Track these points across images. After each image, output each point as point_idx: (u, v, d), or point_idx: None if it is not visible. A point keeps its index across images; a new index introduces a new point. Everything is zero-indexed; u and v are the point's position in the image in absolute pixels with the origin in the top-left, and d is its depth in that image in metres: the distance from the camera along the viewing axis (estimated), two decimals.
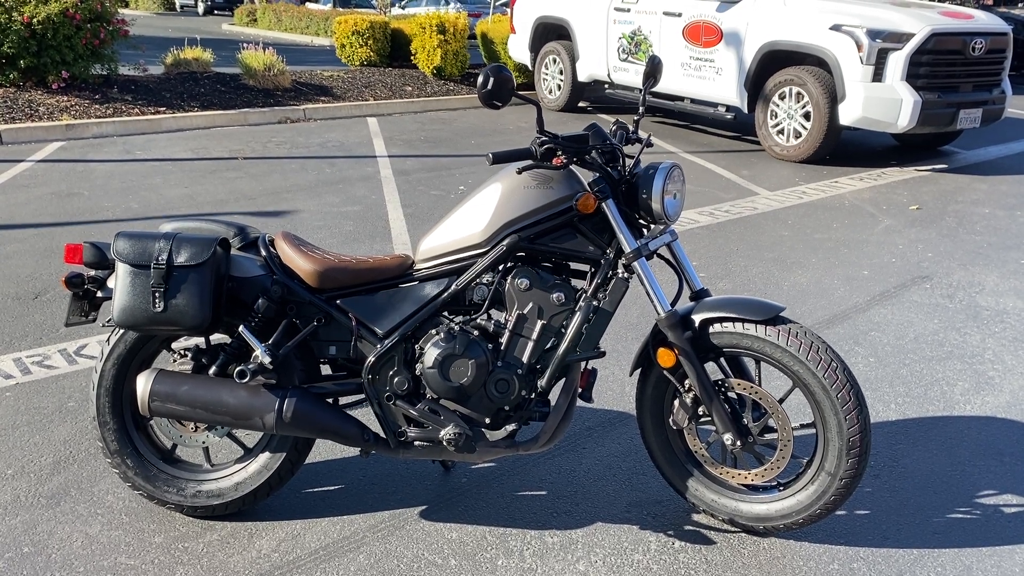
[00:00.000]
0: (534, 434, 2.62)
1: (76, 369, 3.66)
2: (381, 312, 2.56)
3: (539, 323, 2.51)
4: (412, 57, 12.00)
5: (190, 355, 2.58)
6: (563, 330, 2.53)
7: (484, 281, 2.56)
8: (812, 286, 4.86)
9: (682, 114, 10.21)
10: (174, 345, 2.68)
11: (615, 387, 3.59)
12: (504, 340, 2.53)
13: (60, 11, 8.97)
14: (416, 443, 2.55)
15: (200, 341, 2.64)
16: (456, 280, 2.55)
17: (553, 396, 3.10)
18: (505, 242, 2.49)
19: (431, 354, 2.47)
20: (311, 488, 2.86)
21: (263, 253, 2.59)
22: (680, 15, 8.96)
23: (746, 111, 8.55)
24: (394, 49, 12.49)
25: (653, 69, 2.86)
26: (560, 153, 2.45)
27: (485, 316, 2.60)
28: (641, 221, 2.60)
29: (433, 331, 2.53)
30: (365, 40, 12.13)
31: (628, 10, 9.57)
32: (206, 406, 2.45)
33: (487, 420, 2.54)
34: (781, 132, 8.24)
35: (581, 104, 11.10)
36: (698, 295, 2.66)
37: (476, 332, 2.53)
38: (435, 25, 11.42)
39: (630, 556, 2.56)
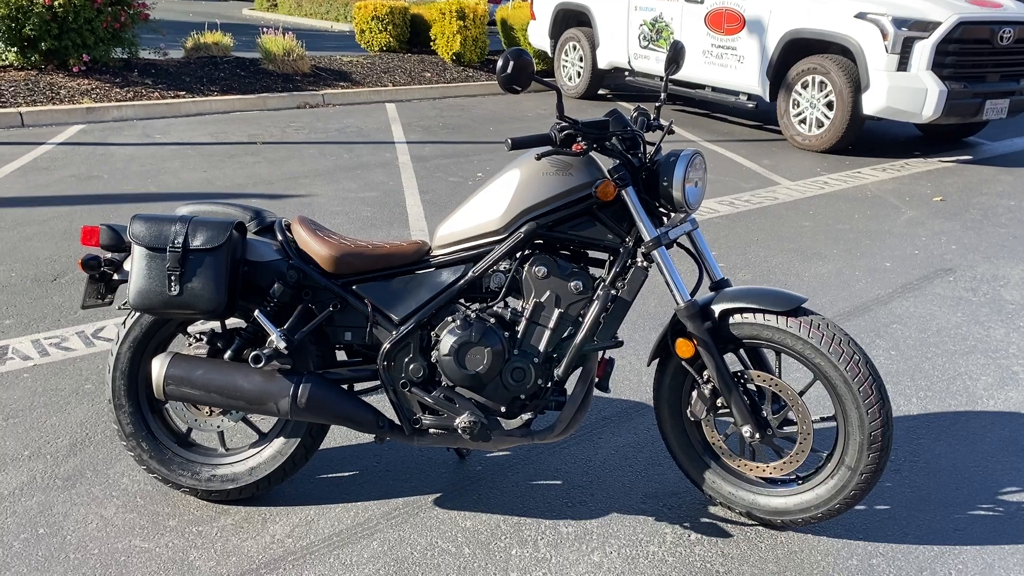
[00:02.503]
0: (550, 423, 2.60)
1: (93, 351, 3.67)
2: (397, 298, 2.54)
3: (556, 312, 2.48)
4: (431, 43, 11.94)
5: (205, 339, 2.57)
6: (580, 319, 2.50)
7: (501, 268, 2.53)
8: (833, 277, 4.80)
9: (702, 102, 10.12)
10: (190, 329, 2.67)
11: (632, 377, 3.56)
12: (520, 328, 2.50)
13: None
14: (431, 430, 2.53)
15: (216, 325, 2.62)
16: (473, 267, 2.52)
17: (570, 386, 3.07)
18: (523, 229, 2.46)
19: (447, 341, 2.45)
20: (325, 474, 2.85)
21: (279, 237, 2.57)
22: (702, 2, 8.85)
23: (768, 100, 8.45)
24: (413, 35, 12.43)
25: (676, 55, 2.80)
26: (580, 139, 2.41)
27: (502, 304, 2.57)
28: (661, 209, 2.56)
29: (449, 318, 2.50)
30: (384, 26, 12.08)
31: None
32: (221, 390, 2.44)
33: (503, 409, 2.52)
34: (803, 121, 8.14)
35: (601, 91, 11.01)
36: (718, 285, 2.62)
37: (492, 320, 2.51)
38: (455, 11, 11.35)
39: (645, 548, 2.54)
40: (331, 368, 2.62)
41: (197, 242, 2.39)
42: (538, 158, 2.42)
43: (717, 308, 2.49)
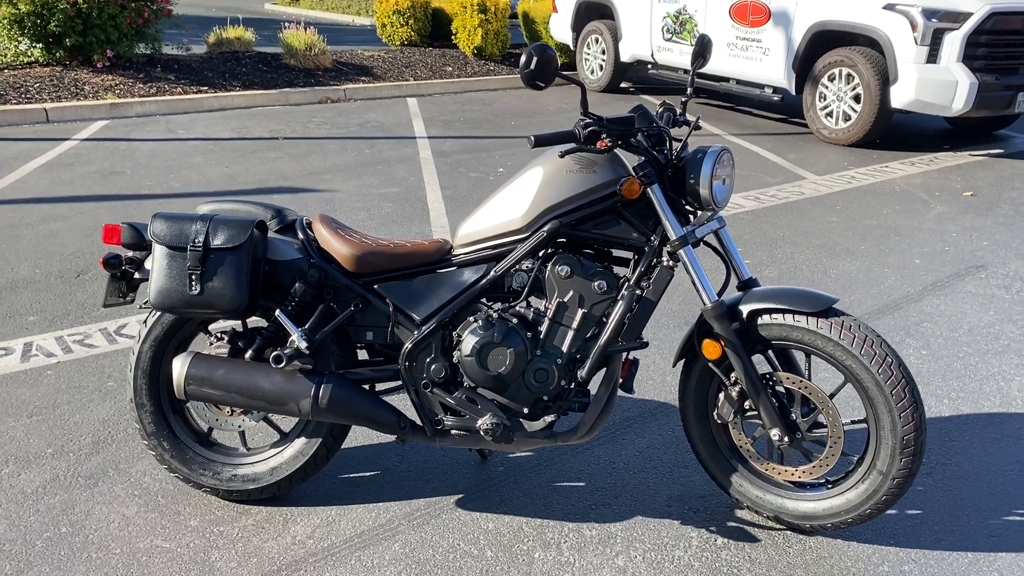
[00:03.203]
0: (573, 425, 2.56)
1: (116, 348, 3.67)
2: (418, 298, 2.51)
3: (580, 312, 2.44)
4: (453, 37, 11.90)
5: (227, 338, 2.55)
6: (604, 319, 2.45)
7: (524, 267, 2.49)
8: (861, 275, 4.72)
9: (727, 95, 10.02)
10: (211, 327, 2.66)
11: (656, 377, 3.51)
12: (543, 329, 2.46)
13: None
14: (453, 432, 2.50)
15: (237, 324, 2.60)
16: (495, 266, 2.48)
17: (594, 386, 3.03)
18: (546, 228, 2.42)
19: (469, 342, 2.42)
20: (347, 474, 2.83)
21: (300, 236, 2.55)
22: None
23: (794, 93, 8.34)
24: (435, 29, 12.39)
25: (703, 49, 2.74)
26: (604, 136, 2.36)
27: (524, 304, 2.53)
28: (688, 207, 2.51)
29: (471, 318, 2.47)
30: (406, 19, 12.05)
31: None
32: (241, 391, 2.42)
33: (525, 410, 2.48)
34: (830, 115, 8.03)
35: (623, 85, 10.94)
36: (746, 284, 2.57)
37: (515, 320, 2.47)
38: (476, 4, 11.30)
39: (671, 552, 2.49)
40: (352, 368, 2.59)
41: (218, 241, 2.36)
42: (562, 155, 2.38)
43: (745, 308, 2.43)
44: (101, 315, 3.98)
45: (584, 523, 2.61)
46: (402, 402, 2.82)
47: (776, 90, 8.57)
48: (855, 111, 7.77)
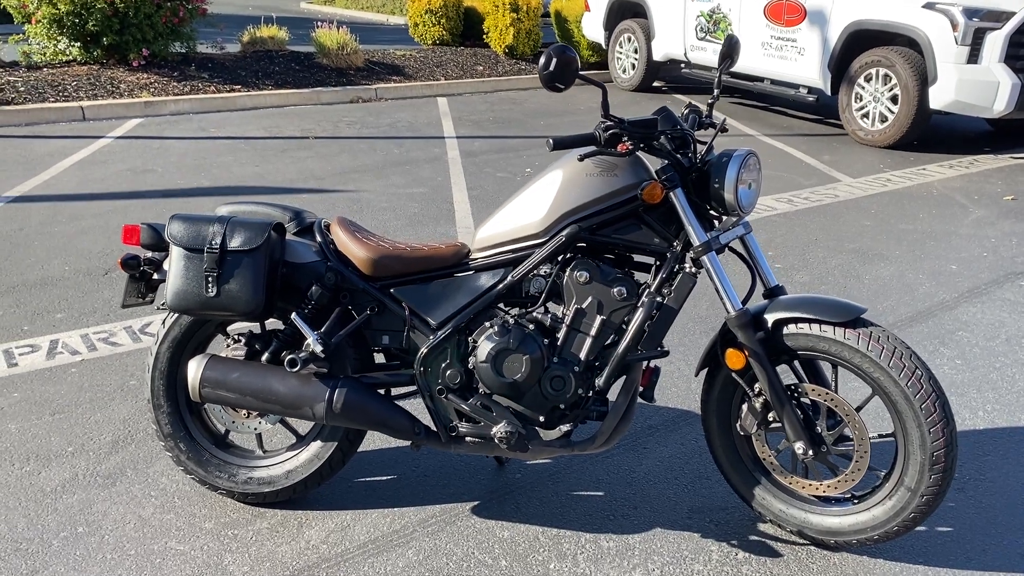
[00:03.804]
0: (591, 434, 2.51)
1: (140, 347, 3.69)
2: (435, 302, 2.48)
3: (598, 318, 2.39)
4: (484, 36, 11.87)
5: (243, 340, 2.53)
6: (624, 326, 2.40)
7: (542, 273, 2.44)
8: (895, 281, 4.60)
9: (761, 95, 9.87)
10: (229, 329, 2.64)
11: (680, 384, 3.44)
12: (561, 335, 2.41)
13: None
14: (467, 438, 2.46)
15: (255, 326, 2.59)
16: (512, 271, 2.44)
17: (614, 395, 2.97)
18: (565, 232, 2.37)
19: (484, 348, 2.38)
20: (362, 478, 2.81)
21: (318, 239, 2.52)
22: None
23: (829, 93, 8.19)
24: (467, 28, 12.37)
25: (730, 49, 2.69)
26: (626, 139, 2.31)
27: (542, 309, 2.48)
28: (712, 212, 2.44)
29: (487, 324, 2.43)
30: (438, 19, 12.04)
31: None
32: (256, 394, 2.41)
33: (541, 418, 2.44)
34: (866, 116, 7.87)
35: (656, 84, 10.83)
36: (772, 292, 2.50)
37: (532, 326, 2.42)
38: (508, 3, 11.26)
39: (690, 566, 2.43)
40: (368, 372, 2.57)
41: (235, 243, 2.35)
42: (581, 159, 2.33)
43: (771, 317, 2.37)
44: (126, 313, 4.00)
45: (602, 534, 2.56)
46: (418, 407, 2.79)
47: (811, 90, 8.43)
48: (892, 112, 7.61)
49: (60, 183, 6.12)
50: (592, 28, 11.13)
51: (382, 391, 2.57)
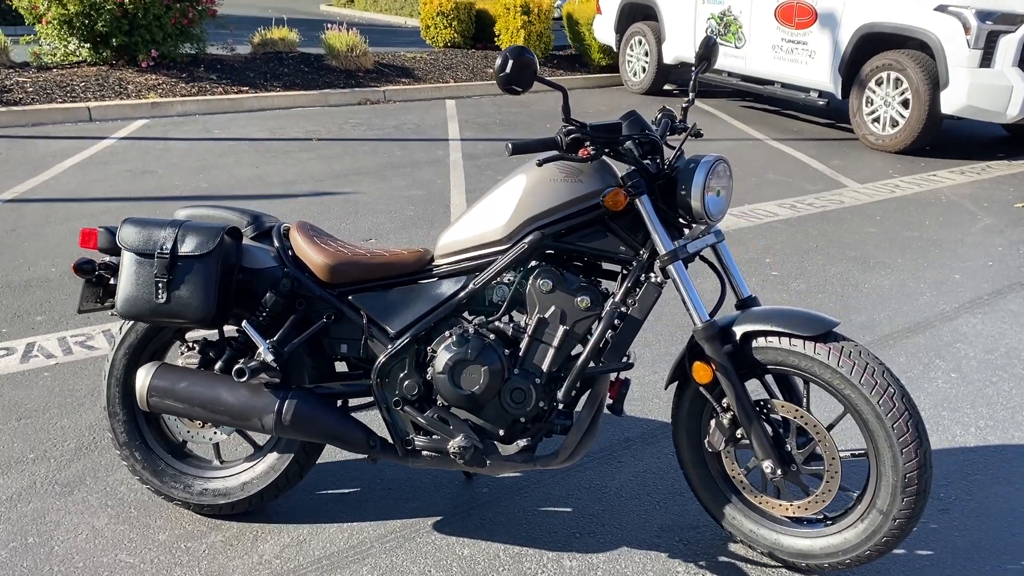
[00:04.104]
0: (556, 448, 2.42)
1: None
2: (394, 310, 2.40)
3: (561, 328, 2.30)
4: (496, 38, 11.81)
5: (198, 348, 2.47)
6: (589, 337, 2.31)
7: (505, 281, 2.36)
8: (895, 290, 4.48)
9: (772, 99, 9.74)
10: (188, 336, 2.58)
11: (661, 395, 3.34)
12: (523, 346, 2.33)
13: None
14: (424, 452, 2.38)
15: (211, 334, 2.53)
16: (474, 279, 2.36)
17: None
18: (527, 239, 2.29)
19: (442, 358, 2.30)
20: (325, 491, 2.74)
21: (276, 244, 2.46)
22: None
23: (840, 97, 8.06)
24: (479, 30, 12.31)
25: (707, 52, 2.59)
26: (588, 144, 2.22)
27: (506, 319, 2.40)
28: (682, 220, 2.35)
29: (447, 333, 2.34)
30: (449, 21, 11.99)
31: None
32: (204, 404, 2.34)
33: (501, 432, 2.35)
34: (877, 120, 7.72)
35: (667, 87, 10.72)
36: (744, 304, 2.40)
37: (493, 336, 2.34)
38: (519, 6, 11.19)
39: None
40: (328, 382, 2.49)
41: (186, 248, 2.28)
42: (540, 164, 2.24)
43: (739, 330, 2.27)
44: (105, 317, 3.96)
45: (566, 552, 2.47)
46: (377, 419, 2.71)
47: (822, 94, 8.30)
48: (903, 117, 7.46)
49: (59, 184, 6.11)
50: (603, 31, 11.03)
51: (340, 402, 2.50)
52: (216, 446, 2.61)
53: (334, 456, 2.90)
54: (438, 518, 2.61)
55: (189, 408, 2.35)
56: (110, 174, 6.40)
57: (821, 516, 2.37)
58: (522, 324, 2.36)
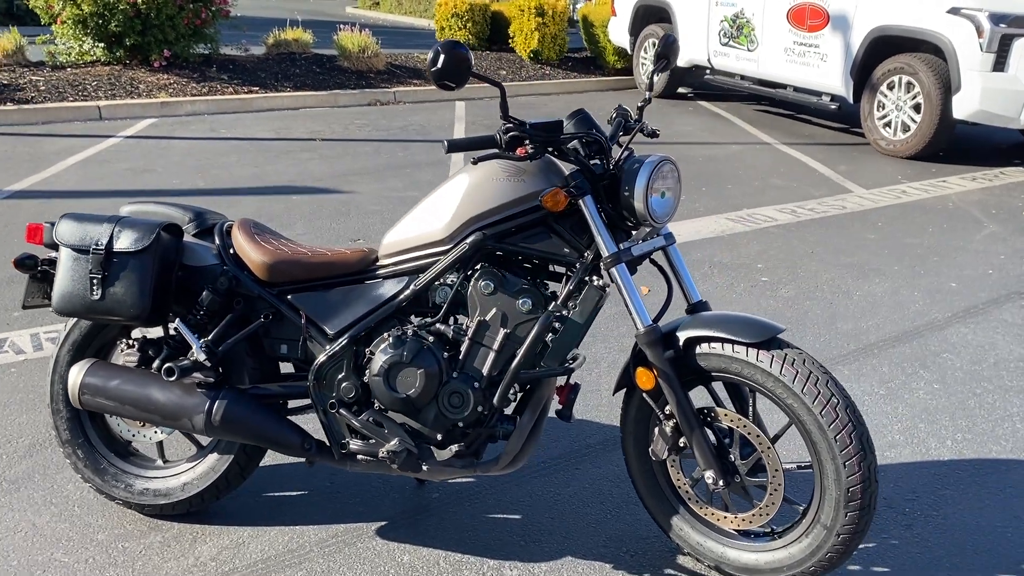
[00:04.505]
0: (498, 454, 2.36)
1: None
2: (333, 310, 2.35)
3: (502, 331, 2.24)
4: (510, 40, 11.76)
5: (136, 346, 2.44)
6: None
7: (448, 282, 2.30)
8: (887, 297, 4.36)
9: (786, 103, 9.59)
10: (134, 334, 2.55)
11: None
12: (463, 349, 2.27)
13: None
14: (359, 456, 2.33)
15: (152, 332, 2.50)
16: (416, 280, 2.31)
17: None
18: (469, 240, 2.24)
19: (378, 360, 2.25)
20: (272, 493, 2.70)
21: (216, 242, 2.42)
22: None
23: (851, 101, 7.90)
24: (494, 32, 12.27)
25: (665, 50, 2.51)
26: (527, 142, 2.16)
27: (449, 321, 2.34)
28: (630, 223, 2.28)
29: (385, 335, 2.29)
30: (464, 23, 11.96)
31: None
32: (135, 403, 2.31)
33: (439, 436, 2.29)
34: (888, 125, 7.57)
35: (682, 90, 10.61)
36: (695, 309, 2.33)
37: (432, 338, 2.28)
38: (534, 8, 11.14)
39: None
40: (269, 383, 2.45)
41: (121, 244, 2.26)
42: (475, 162, 2.18)
43: (683, 335, 2.19)
44: None
45: (507, 560, 2.41)
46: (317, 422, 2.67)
47: (834, 98, 8.15)
48: (915, 122, 7.30)
49: (60, 180, 6.15)
50: (618, 33, 10.94)
51: (281, 403, 2.46)
52: (160, 445, 2.58)
53: (285, 459, 2.86)
54: (382, 523, 2.56)
55: (119, 406, 2.32)
56: (110, 172, 6.43)
57: (768, 530, 2.29)
58: (464, 327, 2.31)
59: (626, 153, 2.28)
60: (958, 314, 4.17)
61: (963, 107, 6.89)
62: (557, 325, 2.23)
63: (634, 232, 2.32)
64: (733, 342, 2.13)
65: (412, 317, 2.39)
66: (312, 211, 5.57)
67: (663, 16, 10.14)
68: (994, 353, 3.75)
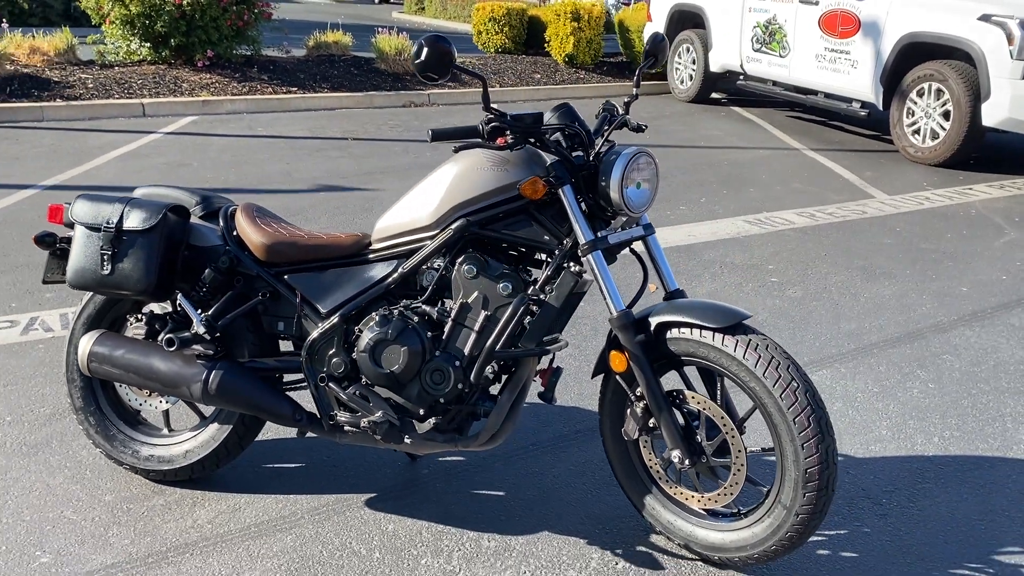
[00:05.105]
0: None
1: None
2: (326, 290, 2.49)
3: (483, 313, 2.36)
4: (546, 45, 11.88)
5: (144, 320, 2.60)
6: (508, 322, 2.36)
7: (435, 266, 2.42)
8: (894, 300, 4.38)
9: (817, 109, 9.57)
10: (144, 309, 2.71)
11: None
12: (446, 329, 2.39)
13: None
14: (346, 427, 2.46)
15: (160, 307, 2.66)
16: (404, 263, 2.44)
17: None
18: (454, 226, 2.36)
19: (364, 338, 2.38)
20: (272, 463, 2.84)
21: (221, 224, 2.57)
22: (817, 3, 8.37)
23: (881, 108, 7.88)
24: (531, 36, 12.40)
25: (654, 48, 2.62)
26: (508, 133, 2.28)
27: (436, 303, 2.46)
28: (609, 212, 2.38)
29: (373, 314, 2.42)
30: (501, 27, 12.12)
31: None
32: (138, 370, 2.47)
33: (421, 411, 2.41)
34: (917, 132, 7.54)
35: (715, 96, 10.64)
36: (671, 296, 2.42)
37: (417, 318, 2.40)
38: (569, 12, 11.25)
39: (564, 571, 2.37)
40: (269, 358, 2.59)
41: (130, 223, 2.42)
42: (456, 151, 2.31)
43: (654, 321, 2.29)
44: None
45: (487, 533, 2.52)
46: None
47: (864, 105, 8.13)
48: (943, 129, 7.26)
49: (99, 173, 6.41)
50: None
51: (278, 376, 2.60)
52: (166, 415, 2.74)
53: (284, 434, 3.00)
54: (373, 495, 2.69)
55: (124, 374, 2.49)
56: (148, 165, 6.69)
57: (735, 510, 2.37)
58: (448, 308, 2.43)
59: (607, 146, 2.38)
60: (964, 317, 4.18)
61: (993, 114, 6.85)
62: (536, 309, 2.34)
63: (613, 222, 2.41)
64: (700, 327, 2.21)
65: (401, 299, 2.51)
66: (337, 207, 5.75)
67: (698, 22, 10.18)
68: (995, 356, 3.76)
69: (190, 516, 2.57)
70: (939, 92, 7.27)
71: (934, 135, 7.38)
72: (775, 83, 9.20)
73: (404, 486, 2.74)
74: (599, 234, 2.31)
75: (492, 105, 2.25)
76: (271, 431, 2.95)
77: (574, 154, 2.36)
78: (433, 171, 2.45)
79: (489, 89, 2.18)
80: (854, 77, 8.04)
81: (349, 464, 2.85)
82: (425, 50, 2.11)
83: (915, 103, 7.50)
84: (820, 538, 2.53)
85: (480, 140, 2.30)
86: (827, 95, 8.53)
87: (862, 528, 2.58)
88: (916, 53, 7.47)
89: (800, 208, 6.04)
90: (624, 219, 2.38)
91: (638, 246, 2.50)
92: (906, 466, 2.91)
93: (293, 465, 2.84)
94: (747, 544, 2.27)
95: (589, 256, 2.29)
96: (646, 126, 2.63)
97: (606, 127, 2.51)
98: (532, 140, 2.33)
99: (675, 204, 6.04)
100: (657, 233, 4.95)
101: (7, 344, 3.63)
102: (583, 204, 2.34)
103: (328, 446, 2.94)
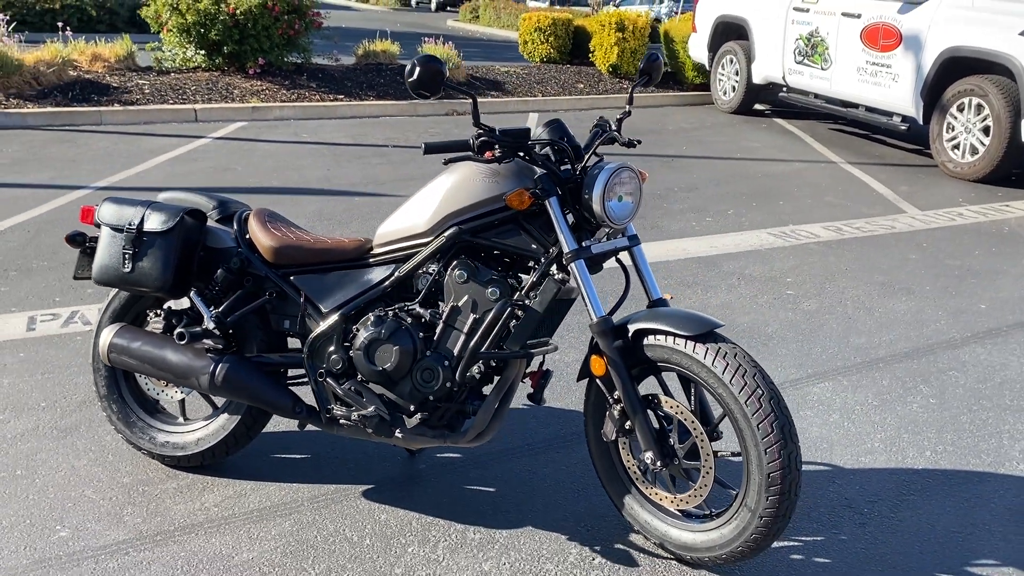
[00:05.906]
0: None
1: None
2: (328, 291, 2.65)
3: (472, 317, 2.49)
4: (591, 54, 12.00)
5: (162, 315, 2.79)
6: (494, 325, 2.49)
7: (429, 271, 2.57)
8: (908, 315, 4.40)
9: (858, 123, 9.51)
10: (165, 306, 2.91)
11: None
12: (438, 331, 2.53)
13: (260, 3, 9.80)
14: (342, 421, 2.61)
15: (179, 303, 2.85)
16: (400, 267, 2.58)
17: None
18: (447, 233, 2.50)
19: (360, 336, 2.53)
20: (280, 453, 3.01)
21: (235, 227, 2.75)
22: (859, 16, 8.35)
23: (921, 122, 7.83)
24: (576, 46, 12.54)
25: (648, 67, 2.74)
26: (496, 147, 2.41)
27: (429, 305, 2.61)
28: (593, 223, 2.50)
29: (370, 315, 2.58)
30: (546, 36, 12.27)
31: (807, 10, 9.05)
32: (152, 362, 2.66)
33: (412, 408, 2.56)
34: (957, 147, 7.47)
35: (758, 107, 10.64)
36: (654, 305, 2.53)
37: (409, 319, 2.55)
38: (614, 23, 11.35)
39: (542, 564, 2.49)
40: (276, 354, 2.77)
41: (150, 225, 2.61)
42: (446, 163, 2.45)
43: (632, 327, 2.40)
44: None
45: (473, 526, 2.65)
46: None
47: (904, 119, 8.08)
48: (983, 144, 7.19)
49: (149, 175, 6.72)
50: (697, 49, 11.05)
51: (282, 371, 2.77)
52: (182, 404, 2.93)
53: (292, 427, 3.17)
54: (370, 487, 2.84)
55: (140, 364, 2.68)
56: (195, 169, 6.98)
57: (707, 512, 2.46)
58: (439, 311, 2.57)
59: (595, 160, 2.51)
60: (978, 335, 4.18)
61: None
62: (520, 313, 2.47)
63: (597, 233, 2.53)
64: (674, 334, 2.32)
65: (398, 301, 2.66)
66: (370, 211, 5.94)
67: (741, 33, 10.20)
68: (1003, 373, 3.77)
69: (199, 499, 2.75)
70: (979, 107, 7.20)
71: (974, 150, 7.31)
72: (816, 96, 9.18)
73: (401, 480, 2.89)
74: (583, 244, 2.43)
75: (481, 120, 2.39)
76: (279, 423, 3.13)
77: (562, 168, 2.48)
78: (430, 181, 2.60)
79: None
80: (895, 91, 8.00)
81: (351, 457, 3.00)
82: (418, 69, 2.26)
83: (955, 118, 7.44)
84: (795, 543, 2.61)
85: (471, 154, 2.44)
86: (868, 108, 8.50)
87: (839, 536, 2.65)
88: (957, 67, 7.41)
89: (828, 222, 6.05)
90: (607, 230, 2.50)
91: (624, 257, 2.61)
92: (893, 478, 2.96)
93: (298, 456, 3.01)
94: (716, 545, 2.37)
95: (573, 265, 2.41)
96: (639, 141, 2.75)
97: (599, 142, 2.63)
98: (520, 154, 2.46)
99: (702, 215, 6.11)
100: (678, 244, 5.05)
101: (48, 335, 3.88)
102: (569, 215, 2.46)
103: (332, 439, 3.10)
